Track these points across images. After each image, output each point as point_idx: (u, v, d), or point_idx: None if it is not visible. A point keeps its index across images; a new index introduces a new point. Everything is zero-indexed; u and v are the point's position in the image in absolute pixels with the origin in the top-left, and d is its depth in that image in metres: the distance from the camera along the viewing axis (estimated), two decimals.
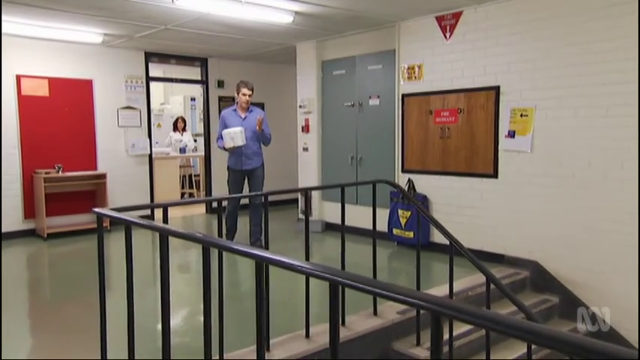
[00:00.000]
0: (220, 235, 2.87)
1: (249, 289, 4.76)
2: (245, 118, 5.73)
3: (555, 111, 4.64)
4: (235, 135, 5.55)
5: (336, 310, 1.34)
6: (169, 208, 2.91)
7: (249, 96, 5.66)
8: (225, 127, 5.67)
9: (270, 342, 3.11)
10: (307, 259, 3.38)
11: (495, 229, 5.11)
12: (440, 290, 4.33)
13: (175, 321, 3.57)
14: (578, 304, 4.58)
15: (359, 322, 3.64)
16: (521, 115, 4.86)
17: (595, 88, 4.37)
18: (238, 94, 5.67)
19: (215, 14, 5.28)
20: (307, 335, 3.34)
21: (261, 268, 1.59)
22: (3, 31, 5.61)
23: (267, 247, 4.48)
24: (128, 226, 2.24)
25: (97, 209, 2.42)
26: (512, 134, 4.94)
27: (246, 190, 5.85)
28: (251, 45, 7.10)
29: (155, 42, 6.89)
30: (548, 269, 4.78)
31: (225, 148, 5.67)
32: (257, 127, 5.58)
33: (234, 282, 4.85)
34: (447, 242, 4.65)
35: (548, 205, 4.74)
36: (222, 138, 5.67)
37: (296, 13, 5.27)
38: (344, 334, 3.47)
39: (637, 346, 4.24)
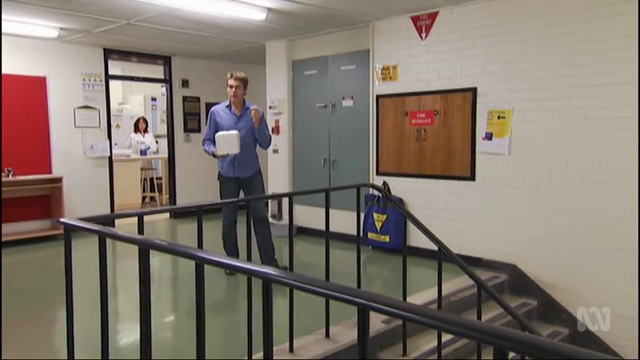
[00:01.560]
0: (200, 245, 2.63)
1: (221, 299, 4.51)
2: (241, 115, 4.75)
3: (533, 113, 4.62)
4: (232, 139, 4.51)
5: (365, 340, 1.16)
6: (130, 214, 2.68)
7: (237, 88, 4.65)
8: (216, 126, 4.73)
9: (254, 357, 2.90)
10: (291, 269, 3.18)
11: (473, 232, 5.05)
12: (422, 297, 4.23)
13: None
14: (556, 307, 4.58)
15: (343, 333, 3.47)
16: (499, 117, 4.82)
17: (572, 90, 4.37)
18: (227, 87, 4.74)
19: (183, 9, 5.00)
20: (291, 349, 3.15)
21: (270, 288, 1.39)
22: None
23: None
24: (102, 239, 1.98)
25: (63, 219, 2.14)
26: (489, 136, 4.90)
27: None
28: (218, 43, 6.83)
29: (116, 38, 6.52)
30: (527, 272, 4.75)
31: (215, 155, 4.70)
32: (255, 122, 4.60)
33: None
34: (425, 246, 4.58)
35: (525, 208, 4.72)
36: (210, 141, 4.74)
37: (269, 9, 5.06)
38: (329, 346, 3.29)
39: (616, 350, 4.27)
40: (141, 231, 2.45)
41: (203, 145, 4.88)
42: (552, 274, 4.61)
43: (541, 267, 4.67)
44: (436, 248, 4.34)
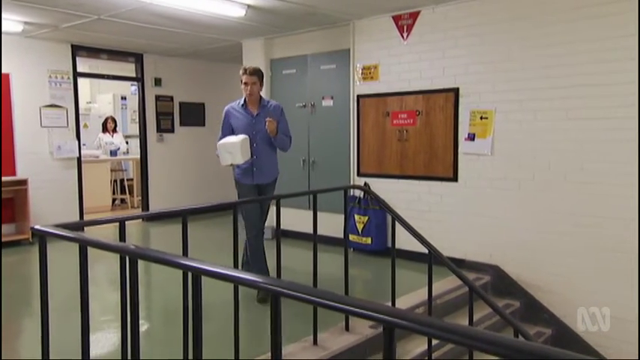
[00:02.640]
0: (185, 252, 2.48)
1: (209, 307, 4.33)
2: (257, 115, 4.11)
3: (515, 113, 4.62)
4: (234, 148, 3.89)
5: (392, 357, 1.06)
6: (110, 219, 2.52)
7: (253, 84, 4.03)
8: (231, 129, 4.13)
9: None
10: (279, 276, 3.06)
11: (455, 234, 5.02)
12: (408, 300, 4.16)
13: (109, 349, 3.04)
14: (539, 308, 4.59)
15: (331, 339, 3.37)
16: (481, 118, 4.80)
17: (555, 90, 4.38)
18: (241, 84, 4.11)
19: (159, 4, 4.80)
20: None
21: (278, 301, 1.27)
22: None
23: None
24: (84, 247, 1.82)
25: (38, 227, 1.96)
26: (472, 137, 4.87)
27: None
28: (193, 40, 6.62)
29: (85, 34, 6.24)
30: (509, 273, 4.74)
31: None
32: (270, 133, 4.01)
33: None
34: (406, 248, 4.50)
35: (508, 209, 4.71)
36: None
37: (249, 6, 4.91)
38: (318, 354, 3.19)
39: (598, 350, 4.30)
40: (122, 238, 2.28)
41: (217, 152, 4.15)
42: (535, 274, 4.61)
43: (524, 268, 4.67)
44: (419, 250, 4.30)
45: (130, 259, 1.64)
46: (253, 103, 4.15)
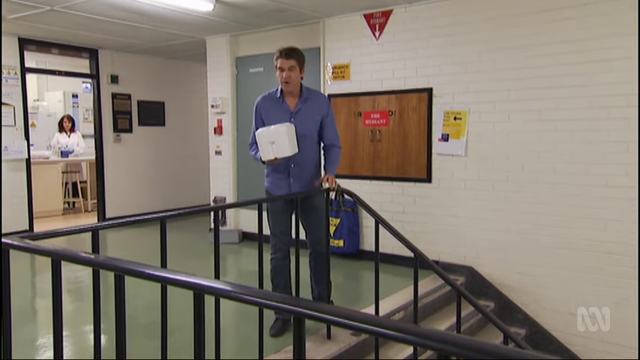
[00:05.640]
0: (164, 264, 2.27)
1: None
2: (297, 111, 3.34)
3: (489, 114, 4.62)
4: (279, 136, 3.13)
5: None
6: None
7: (290, 70, 3.22)
8: (262, 124, 3.35)
9: None
10: (261, 286, 2.88)
11: (429, 235, 4.98)
12: (387, 304, 4.05)
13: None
14: (513, 308, 4.61)
15: (314, 349, 3.22)
16: (455, 118, 4.78)
17: (527, 92, 4.41)
18: (276, 70, 3.30)
19: None
20: None
21: (303, 325, 1.12)
22: None
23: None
24: (57, 262, 1.60)
25: (5, 240, 1.72)
26: (445, 138, 4.85)
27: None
28: (154, 36, 6.30)
29: (35, 26, 5.82)
30: (483, 274, 4.75)
31: (264, 161, 3.31)
32: (314, 130, 3.35)
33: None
34: (380, 250, 4.42)
35: (481, 210, 4.71)
36: (256, 144, 3.30)
37: (217, 1, 4.68)
38: None
39: (569, 348, 4.36)
40: (96, 249, 2.06)
41: (250, 149, 3.50)
42: (508, 275, 4.63)
43: (497, 268, 4.68)
44: (392, 252, 4.24)
45: (117, 276, 1.44)
46: (292, 94, 3.32)
